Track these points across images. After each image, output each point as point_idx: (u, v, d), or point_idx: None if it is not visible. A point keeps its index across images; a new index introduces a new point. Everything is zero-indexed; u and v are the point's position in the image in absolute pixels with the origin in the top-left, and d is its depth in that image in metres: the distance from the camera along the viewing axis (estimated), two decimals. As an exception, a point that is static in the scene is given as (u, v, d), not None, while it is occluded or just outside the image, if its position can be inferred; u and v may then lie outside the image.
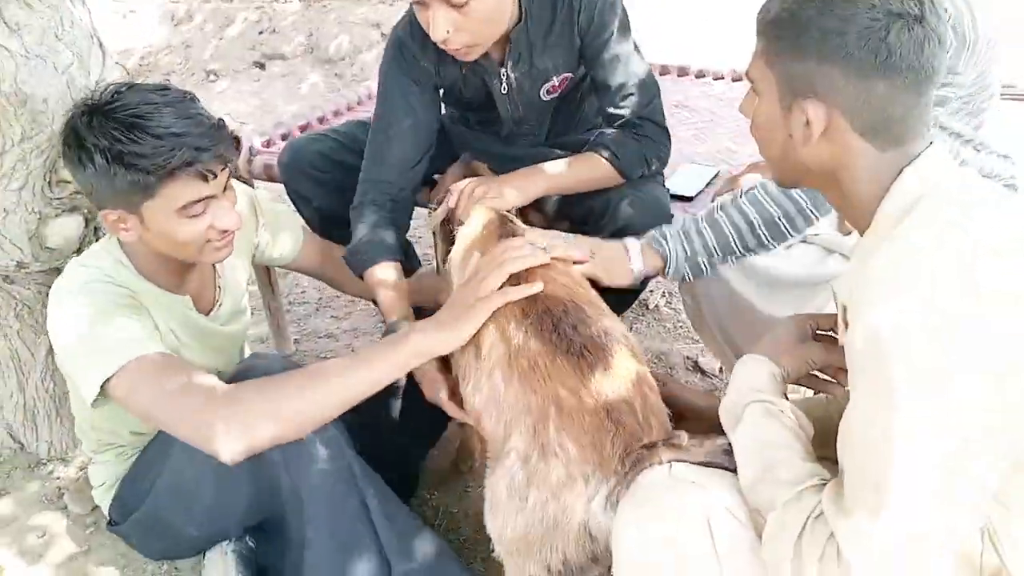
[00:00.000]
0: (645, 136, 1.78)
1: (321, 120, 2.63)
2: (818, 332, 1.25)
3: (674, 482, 1.07)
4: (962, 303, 0.87)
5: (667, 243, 1.60)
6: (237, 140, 1.43)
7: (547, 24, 1.70)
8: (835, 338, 1.23)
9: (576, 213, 1.85)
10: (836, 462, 1.02)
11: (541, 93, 1.84)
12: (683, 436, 1.11)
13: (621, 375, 1.23)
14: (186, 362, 1.41)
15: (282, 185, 2.05)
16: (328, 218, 1.95)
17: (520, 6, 1.66)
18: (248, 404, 1.25)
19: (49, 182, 1.65)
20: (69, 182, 1.66)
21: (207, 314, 1.62)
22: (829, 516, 0.94)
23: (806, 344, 1.23)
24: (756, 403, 1.11)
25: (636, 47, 1.78)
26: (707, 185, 2.12)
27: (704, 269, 1.63)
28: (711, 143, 2.44)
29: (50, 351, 1.95)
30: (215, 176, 1.36)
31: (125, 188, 1.31)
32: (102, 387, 1.32)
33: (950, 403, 0.87)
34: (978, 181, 1.04)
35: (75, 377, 1.39)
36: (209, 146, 1.33)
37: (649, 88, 1.78)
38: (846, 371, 1.02)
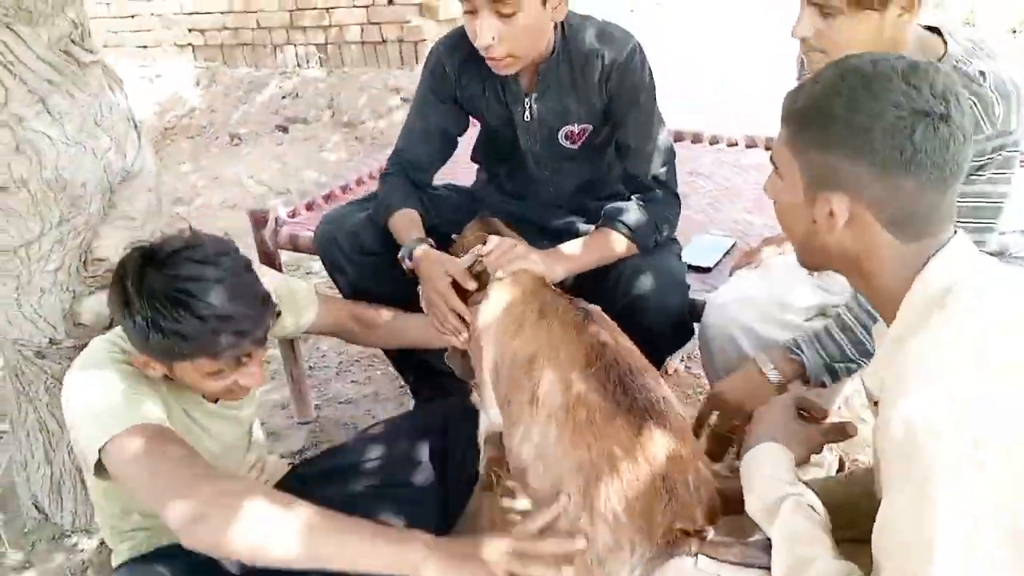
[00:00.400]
0: (656, 202, 1.86)
1: (344, 189, 2.69)
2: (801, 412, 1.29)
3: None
4: (975, 383, 0.88)
5: (803, 352, 1.55)
6: (278, 313, 1.45)
7: (576, 70, 1.82)
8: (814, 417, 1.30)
9: (592, 284, 1.89)
10: (856, 541, 1.02)
11: (561, 135, 1.92)
12: (711, 531, 1.11)
13: (676, 445, 1.21)
14: (183, 441, 1.37)
15: (304, 253, 2.11)
16: (362, 291, 1.99)
17: (555, 42, 1.79)
18: (236, 510, 1.19)
19: (84, 262, 1.70)
20: (103, 260, 1.71)
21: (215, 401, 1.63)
22: None
23: (805, 427, 1.26)
24: (789, 497, 1.11)
25: (658, 112, 1.89)
26: (724, 256, 2.14)
27: (841, 374, 1.57)
28: (726, 213, 2.47)
29: (77, 422, 1.98)
30: (250, 357, 1.40)
31: (159, 350, 1.33)
32: (101, 452, 1.31)
33: (975, 485, 0.87)
34: (990, 262, 1.04)
35: (80, 443, 1.38)
36: (251, 330, 1.34)
37: (667, 153, 1.89)
38: None
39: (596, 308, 1.52)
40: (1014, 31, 5.88)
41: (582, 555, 1.16)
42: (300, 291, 1.88)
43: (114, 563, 1.72)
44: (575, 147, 1.96)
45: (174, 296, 1.29)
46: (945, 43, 1.46)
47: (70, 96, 1.56)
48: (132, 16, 6.48)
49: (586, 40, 1.80)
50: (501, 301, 1.56)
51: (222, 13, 6.07)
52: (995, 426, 0.87)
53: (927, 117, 0.93)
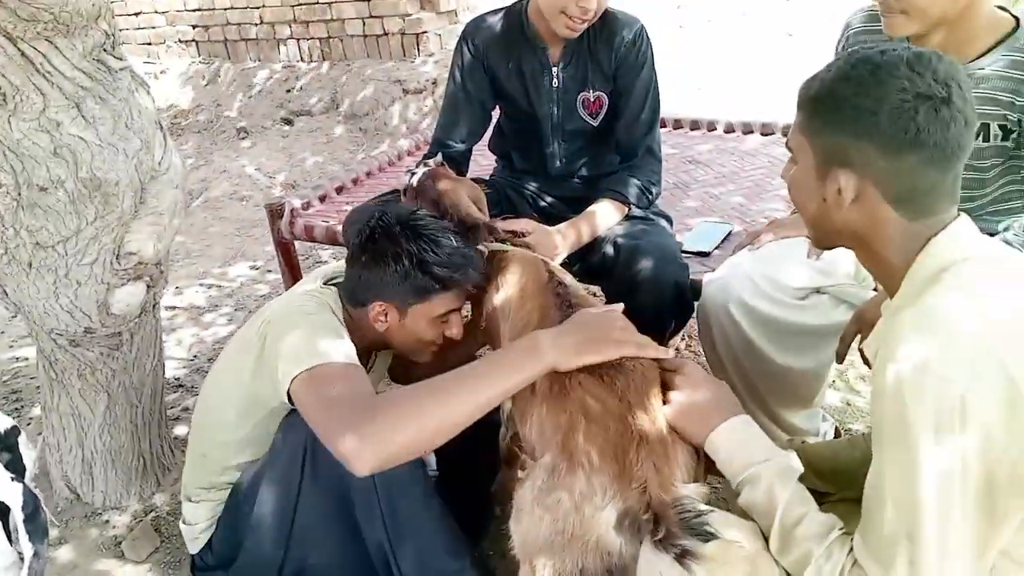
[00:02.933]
0: (645, 167, 2.13)
1: (356, 181, 2.80)
2: None
3: None
4: (958, 346, 0.96)
5: None
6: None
7: (596, 40, 2.08)
8: None
9: (592, 262, 2.07)
10: (856, 501, 1.09)
11: (579, 103, 2.14)
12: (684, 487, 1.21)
13: (649, 394, 1.29)
14: (363, 376, 1.48)
15: (319, 242, 2.22)
16: None
17: None
18: (391, 419, 1.29)
19: (117, 255, 1.81)
20: (134, 254, 1.82)
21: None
22: (871, 573, 1.02)
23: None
24: (768, 462, 1.20)
25: (656, 85, 2.16)
26: (723, 241, 2.25)
27: None
28: (723, 199, 2.57)
29: (108, 408, 2.10)
30: (470, 295, 1.64)
31: (411, 289, 1.56)
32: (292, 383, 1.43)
33: (957, 441, 0.95)
34: (991, 243, 1.12)
35: (277, 366, 1.48)
36: (480, 270, 1.62)
37: (655, 119, 2.17)
38: None
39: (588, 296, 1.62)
40: None
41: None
42: None
43: (188, 518, 1.81)
44: (594, 122, 2.16)
45: (433, 237, 1.56)
46: (1016, 20, 1.57)
47: (102, 101, 1.66)
48: (136, 13, 6.56)
49: (606, 15, 2.04)
50: (510, 300, 1.64)
51: (225, 9, 6.14)
52: (976, 384, 0.95)
53: (930, 100, 1.02)
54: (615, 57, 2.07)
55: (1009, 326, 0.98)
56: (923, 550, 0.98)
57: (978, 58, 1.57)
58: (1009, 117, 1.59)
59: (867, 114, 1.05)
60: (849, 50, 1.12)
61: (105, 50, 1.63)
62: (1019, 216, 1.68)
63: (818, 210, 1.16)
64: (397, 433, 1.27)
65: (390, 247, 1.55)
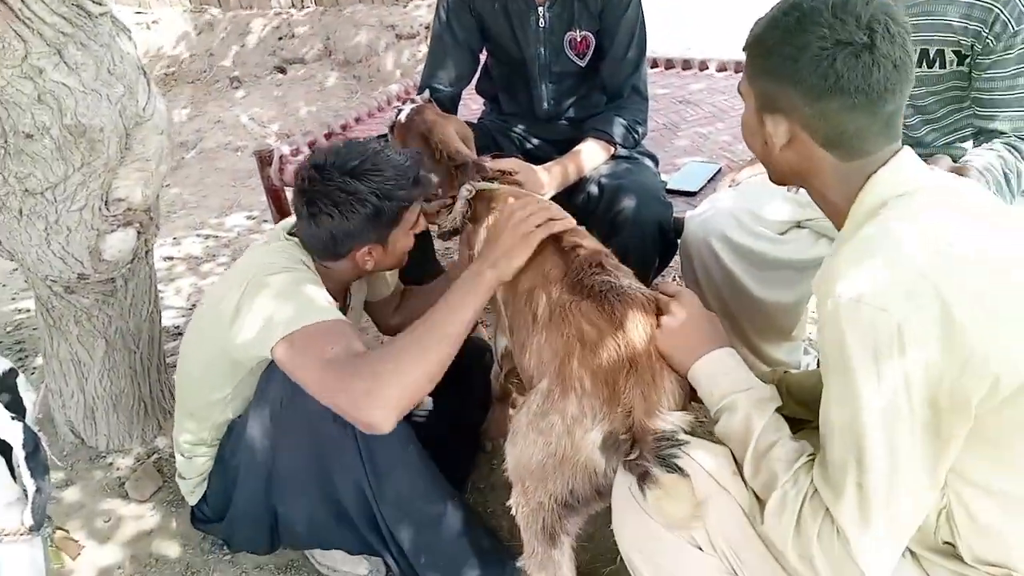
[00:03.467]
0: (631, 107, 2.13)
1: (344, 127, 2.80)
2: None
3: None
4: (893, 273, 0.99)
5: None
6: None
7: None
8: None
9: (577, 202, 2.09)
10: None
11: (567, 43, 2.13)
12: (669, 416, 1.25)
13: (641, 321, 1.33)
14: (351, 330, 1.54)
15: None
16: None
17: None
18: (386, 376, 1.39)
19: (105, 202, 1.83)
20: (123, 200, 1.84)
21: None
22: (825, 498, 1.06)
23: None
24: (745, 393, 1.23)
25: (642, 24, 2.14)
26: (710, 180, 2.26)
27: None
28: (712, 139, 2.57)
29: (106, 353, 2.14)
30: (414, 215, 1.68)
31: (385, 221, 1.60)
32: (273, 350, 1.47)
33: (895, 365, 0.97)
34: (929, 176, 1.14)
35: (259, 325, 1.51)
36: (426, 173, 1.67)
37: (642, 58, 2.15)
38: None
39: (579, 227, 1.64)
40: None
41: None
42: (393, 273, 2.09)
43: (184, 472, 1.86)
44: (581, 62, 2.15)
45: (380, 164, 1.58)
46: None
47: (84, 47, 1.66)
48: (125, -39, 6.45)
49: None
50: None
51: (215, -45, 6.05)
52: (911, 312, 0.97)
53: (849, 46, 1.04)
54: None
55: (946, 252, 1.00)
56: (871, 475, 1.01)
57: None
58: (963, 42, 1.61)
59: (789, 61, 1.08)
60: None
61: (84, -5, 1.63)
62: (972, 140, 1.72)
63: (763, 151, 1.20)
64: (403, 387, 1.39)
65: (348, 196, 1.56)
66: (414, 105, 1.92)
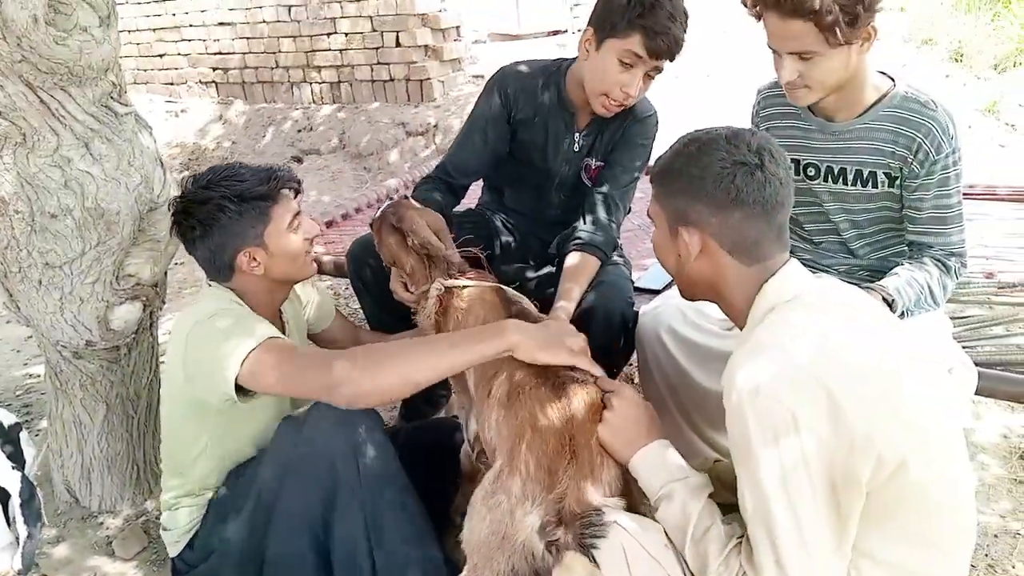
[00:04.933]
0: (612, 222, 2.18)
1: (358, 210, 3.03)
2: None
3: None
4: (779, 367, 1.14)
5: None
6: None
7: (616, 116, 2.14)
8: None
9: (548, 294, 2.18)
10: None
11: (583, 167, 2.25)
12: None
13: (588, 414, 1.42)
14: (293, 345, 1.65)
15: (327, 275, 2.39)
16: (385, 309, 2.19)
17: None
18: (377, 355, 1.48)
19: (116, 276, 2.03)
20: (132, 276, 2.04)
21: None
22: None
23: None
24: (680, 482, 1.34)
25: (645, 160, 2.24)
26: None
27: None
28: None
29: (106, 417, 2.30)
30: (297, 193, 1.77)
31: (252, 220, 1.67)
32: (238, 377, 1.55)
33: (791, 444, 1.11)
34: (812, 285, 1.30)
35: (214, 366, 1.57)
36: (286, 170, 1.75)
37: (635, 183, 2.25)
38: None
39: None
40: (996, 67, 6.14)
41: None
42: (327, 302, 2.20)
43: (167, 524, 1.91)
44: (589, 184, 2.28)
45: (229, 173, 1.69)
46: (893, 80, 1.78)
47: (108, 141, 1.90)
48: (160, 55, 6.91)
49: None
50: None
51: (243, 53, 6.48)
52: (801, 401, 1.12)
53: (745, 166, 1.25)
54: (621, 133, 2.19)
55: (824, 347, 1.17)
56: (784, 552, 1.14)
57: (863, 114, 1.78)
58: (891, 164, 1.79)
59: (697, 180, 1.27)
60: (686, 133, 1.34)
61: (112, 97, 1.88)
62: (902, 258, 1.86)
63: (676, 265, 1.37)
64: (389, 371, 1.46)
65: (207, 206, 1.65)
66: (391, 200, 2.07)
